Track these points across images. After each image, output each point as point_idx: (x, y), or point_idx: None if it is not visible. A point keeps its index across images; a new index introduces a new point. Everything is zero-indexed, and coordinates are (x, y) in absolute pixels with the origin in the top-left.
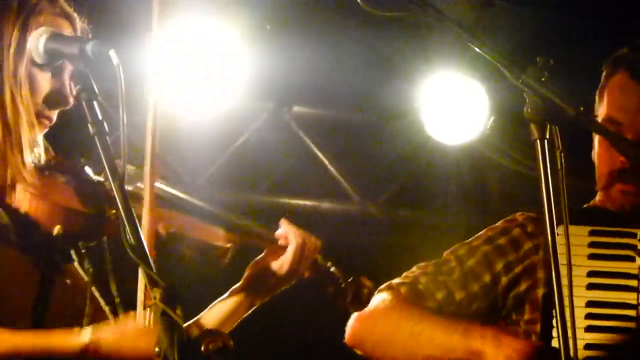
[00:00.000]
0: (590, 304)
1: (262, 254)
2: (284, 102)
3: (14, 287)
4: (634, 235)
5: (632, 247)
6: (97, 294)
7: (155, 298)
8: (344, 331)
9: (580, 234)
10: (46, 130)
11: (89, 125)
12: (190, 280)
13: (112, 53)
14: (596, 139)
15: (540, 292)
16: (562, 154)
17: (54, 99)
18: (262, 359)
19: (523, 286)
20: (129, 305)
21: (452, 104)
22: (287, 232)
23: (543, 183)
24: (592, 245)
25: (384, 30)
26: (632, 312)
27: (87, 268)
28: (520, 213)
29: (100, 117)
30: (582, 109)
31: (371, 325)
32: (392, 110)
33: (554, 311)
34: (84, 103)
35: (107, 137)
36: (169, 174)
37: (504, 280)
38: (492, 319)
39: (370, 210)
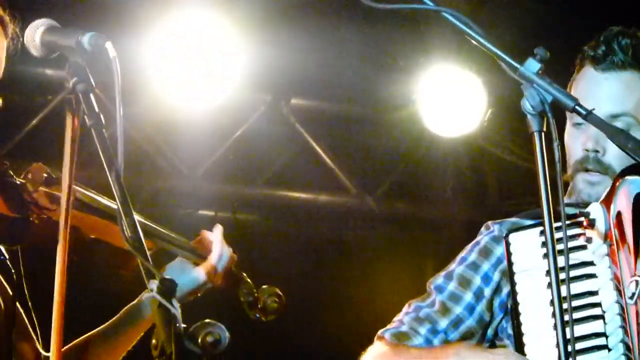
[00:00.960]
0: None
1: (177, 259)
2: (282, 94)
3: None
4: (579, 224)
5: (583, 234)
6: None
7: (152, 290)
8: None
9: (530, 238)
10: None
11: (86, 117)
12: (109, 285)
13: (108, 45)
14: (567, 128)
15: None
16: (559, 147)
17: None
18: None
19: (504, 291)
20: (44, 314)
21: (450, 97)
22: (209, 241)
23: (540, 175)
24: (544, 244)
25: (382, 23)
26: (596, 299)
27: (11, 274)
28: (490, 222)
29: (96, 109)
30: (579, 100)
31: None
32: (390, 103)
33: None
34: (80, 95)
35: (104, 130)
36: (167, 165)
37: (487, 291)
38: (483, 336)
39: (368, 203)
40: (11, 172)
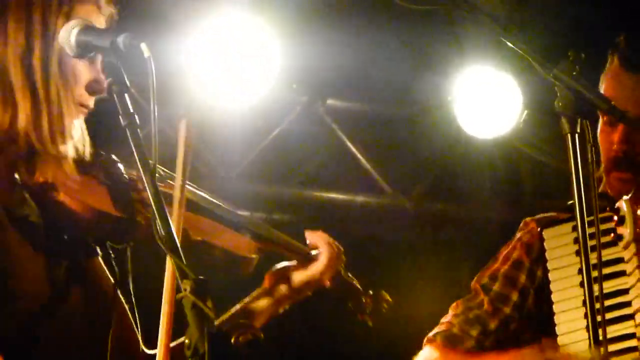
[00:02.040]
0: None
1: (288, 262)
2: (318, 95)
3: (33, 286)
4: (610, 219)
5: (612, 231)
6: (120, 296)
7: (185, 290)
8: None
9: (564, 233)
10: (84, 117)
11: (120, 117)
12: (214, 289)
13: (143, 46)
14: (599, 125)
15: None
16: (593, 148)
17: (92, 87)
18: None
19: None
20: (146, 310)
21: (486, 98)
22: (319, 242)
23: (574, 176)
24: (577, 241)
25: (418, 24)
26: (627, 298)
27: (116, 270)
28: (529, 218)
29: (131, 109)
30: (612, 102)
31: None
32: (425, 104)
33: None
34: (115, 95)
35: (139, 130)
36: (202, 166)
37: (533, 288)
38: (535, 333)
39: (404, 203)
40: (122, 169)
